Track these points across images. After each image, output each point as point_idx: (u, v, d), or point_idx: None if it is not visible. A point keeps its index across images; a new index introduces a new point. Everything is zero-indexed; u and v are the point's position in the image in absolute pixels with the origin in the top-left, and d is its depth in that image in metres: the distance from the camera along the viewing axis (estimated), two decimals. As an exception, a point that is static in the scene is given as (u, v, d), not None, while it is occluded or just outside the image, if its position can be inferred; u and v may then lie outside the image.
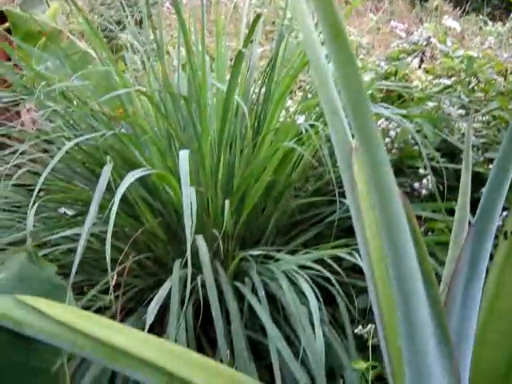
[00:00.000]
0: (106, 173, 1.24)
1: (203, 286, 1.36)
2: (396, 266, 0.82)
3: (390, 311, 0.99)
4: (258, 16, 1.49)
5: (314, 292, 1.33)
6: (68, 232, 1.44)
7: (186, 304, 1.29)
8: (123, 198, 1.64)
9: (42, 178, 1.22)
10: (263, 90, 1.75)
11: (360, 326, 1.30)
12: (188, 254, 1.13)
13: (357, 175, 1.00)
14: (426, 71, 2.13)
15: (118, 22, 4.09)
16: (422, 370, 0.89)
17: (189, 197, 1.18)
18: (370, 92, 1.91)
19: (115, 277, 1.44)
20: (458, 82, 1.88)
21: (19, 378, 0.85)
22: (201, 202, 1.61)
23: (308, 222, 1.75)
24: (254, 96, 1.83)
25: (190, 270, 1.14)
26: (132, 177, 1.21)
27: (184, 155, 1.24)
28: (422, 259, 0.81)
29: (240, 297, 1.47)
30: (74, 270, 1.11)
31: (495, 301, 1.11)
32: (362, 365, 1.25)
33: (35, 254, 0.87)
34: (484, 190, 0.86)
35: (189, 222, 1.16)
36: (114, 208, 1.13)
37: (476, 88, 1.96)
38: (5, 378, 0.85)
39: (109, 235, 1.13)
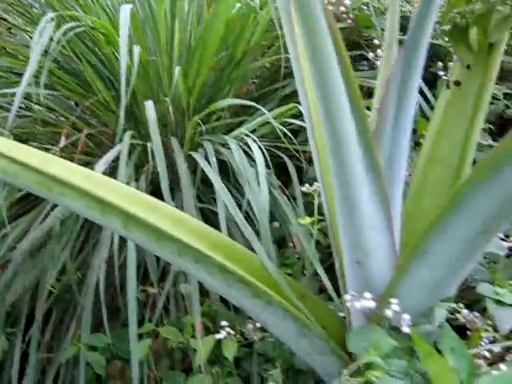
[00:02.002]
0: (47, 25, 1.20)
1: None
2: (323, 97, 0.82)
3: (323, 149, 1.00)
4: None
5: (263, 153, 1.34)
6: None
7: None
8: (76, 70, 1.63)
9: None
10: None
11: (307, 185, 1.33)
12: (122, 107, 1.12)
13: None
14: None
15: None
16: (350, 196, 0.90)
17: (127, 49, 1.15)
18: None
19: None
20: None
21: None
22: (156, 72, 1.59)
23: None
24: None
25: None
26: (70, 27, 1.17)
27: (126, 8, 1.21)
28: (352, 93, 0.81)
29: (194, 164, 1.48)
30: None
31: (435, 149, 1.13)
32: (307, 220, 1.28)
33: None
34: (412, 17, 0.86)
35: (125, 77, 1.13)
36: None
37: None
38: None
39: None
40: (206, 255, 0.96)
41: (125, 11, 1.20)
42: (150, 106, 1.40)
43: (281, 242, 1.55)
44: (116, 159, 1.38)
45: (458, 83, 1.18)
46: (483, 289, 0.99)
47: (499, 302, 0.98)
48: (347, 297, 0.91)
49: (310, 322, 1.04)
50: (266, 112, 1.35)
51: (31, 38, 1.62)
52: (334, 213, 1.00)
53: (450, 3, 1.13)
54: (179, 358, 1.45)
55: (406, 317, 0.85)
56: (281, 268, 1.34)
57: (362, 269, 0.96)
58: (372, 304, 0.86)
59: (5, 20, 1.82)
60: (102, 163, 1.32)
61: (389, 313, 0.86)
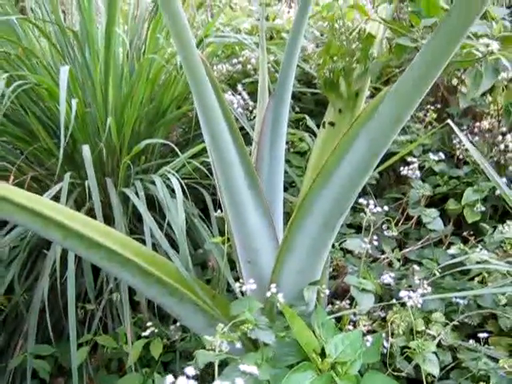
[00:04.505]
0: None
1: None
2: (214, 140, 1.10)
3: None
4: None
5: (182, 187, 1.61)
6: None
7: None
8: (22, 120, 1.88)
9: None
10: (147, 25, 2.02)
11: (219, 211, 1.60)
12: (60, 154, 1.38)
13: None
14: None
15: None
16: (239, 213, 1.18)
17: (65, 102, 1.42)
18: (246, 31, 2.21)
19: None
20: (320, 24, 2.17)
21: None
22: (92, 121, 1.86)
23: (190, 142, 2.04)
24: (143, 35, 2.09)
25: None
26: (18, 85, 1.44)
27: (65, 69, 1.48)
28: (230, 124, 1.10)
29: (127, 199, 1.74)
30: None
31: (316, 167, 1.43)
32: (218, 239, 1.55)
33: None
34: (280, 68, 1.16)
35: (62, 121, 1.39)
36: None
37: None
38: None
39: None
40: (129, 260, 1.21)
41: (64, 71, 1.47)
42: (86, 149, 1.65)
43: (203, 264, 1.82)
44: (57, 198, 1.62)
45: (332, 124, 1.49)
46: (350, 279, 1.28)
47: (363, 290, 1.26)
48: (237, 284, 1.17)
49: (217, 315, 1.30)
50: (180, 154, 1.62)
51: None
52: (231, 226, 1.28)
53: (322, 62, 1.46)
54: (115, 366, 1.68)
55: (280, 295, 1.12)
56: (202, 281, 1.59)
57: (253, 265, 1.23)
58: (254, 286, 1.13)
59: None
60: (45, 196, 1.57)
61: (268, 294, 1.13)
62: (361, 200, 1.31)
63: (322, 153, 1.44)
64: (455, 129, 1.20)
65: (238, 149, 1.11)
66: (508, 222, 1.52)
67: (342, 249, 1.57)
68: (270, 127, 1.18)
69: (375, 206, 1.31)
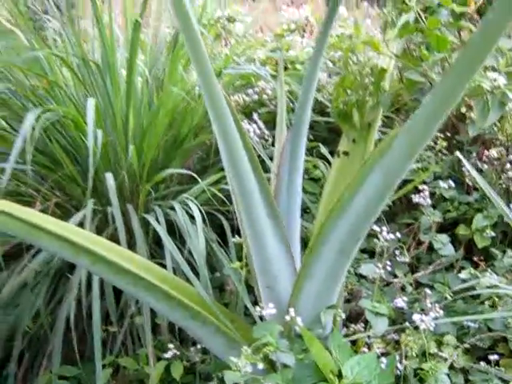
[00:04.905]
0: (30, 119, 1.55)
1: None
2: (234, 170, 1.17)
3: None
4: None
5: (201, 214, 1.68)
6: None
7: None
8: (47, 149, 1.95)
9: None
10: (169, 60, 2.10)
11: (237, 236, 1.66)
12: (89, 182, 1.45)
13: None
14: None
15: (46, 12, 4.32)
16: (258, 240, 1.24)
17: (93, 134, 1.50)
18: (260, 61, 2.30)
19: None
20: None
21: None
22: (113, 150, 1.93)
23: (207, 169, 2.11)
24: (161, 65, 2.17)
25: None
26: (46, 117, 1.51)
27: (91, 102, 1.56)
28: (249, 153, 1.17)
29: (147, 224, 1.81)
30: None
31: (332, 196, 1.49)
32: (236, 264, 1.61)
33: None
34: (298, 102, 1.23)
35: (92, 154, 1.47)
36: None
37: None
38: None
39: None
40: (153, 284, 1.28)
41: (90, 105, 1.55)
42: (109, 177, 1.72)
43: (221, 287, 1.88)
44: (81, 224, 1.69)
45: (346, 153, 1.56)
46: (364, 303, 1.33)
47: (377, 313, 1.32)
48: (257, 308, 1.23)
49: (237, 337, 1.35)
50: (200, 181, 1.69)
51: (7, 123, 1.96)
52: (250, 253, 1.34)
53: (336, 95, 1.53)
54: (137, 388, 1.74)
55: (298, 319, 1.18)
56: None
57: (272, 290, 1.29)
58: (274, 311, 1.19)
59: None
60: (71, 222, 1.64)
61: (287, 318, 1.18)
62: (374, 227, 1.36)
63: (337, 181, 1.51)
64: (463, 161, 1.26)
65: (257, 178, 1.17)
66: (517, 247, 1.57)
67: (356, 274, 1.62)
68: (288, 159, 1.25)
69: (388, 233, 1.36)
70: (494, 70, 1.43)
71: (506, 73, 1.36)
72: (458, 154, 1.31)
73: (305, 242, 1.66)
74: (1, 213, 1.19)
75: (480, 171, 1.87)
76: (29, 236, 1.20)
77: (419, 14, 1.54)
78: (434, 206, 1.82)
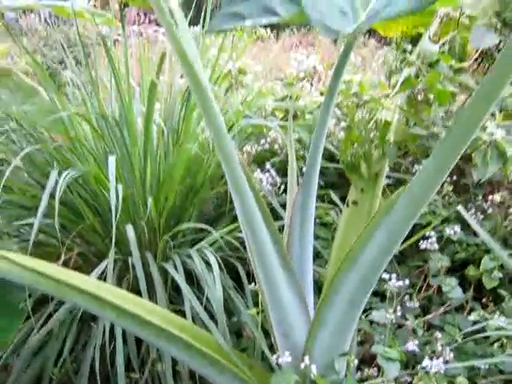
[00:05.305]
0: (54, 176, 1.64)
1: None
2: (247, 222, 1.25)
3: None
4: (163, 54, 1.93)
5: (218, 262, 1.75)
6: (24, 221, 1.82)
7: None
8: (69, 202, 2.05)
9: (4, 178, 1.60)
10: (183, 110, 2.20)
11: (253, 284, 1.73)
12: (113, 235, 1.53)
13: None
14: (321, 93, 2.61)
15: (61, 62, 4.50)
16: (273, 290, 1.31)
17: (115, 190, 1.59)
18: (271, 110, 2.39)
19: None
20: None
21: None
22: (132, 201, 2.02)
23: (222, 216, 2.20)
24: (176, 116, 2.27)
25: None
26: (69, 174, 1.61)
27: (112, 159, 1.66)
28: (261, 207, 1.24)
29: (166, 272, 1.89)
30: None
31: (342, 245, 1.56)
32: (253, 311, 1.67)
33: None
34: (307, 155, 1.31)
35: (114, 210, 1.56)
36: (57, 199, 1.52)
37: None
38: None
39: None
40: (174, 335, 1.34)
41: (112, 162, 1.64)
42: (129, 229, 1.81)
43: (238, 332, 1.94)
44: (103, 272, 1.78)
45: (354, 202, 1.63)
46: (377, 349, 1.39)
47: (389, 359, 1.37)
48: (274, 356, 1.29)
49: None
50: (214, 232, 1.77)
51: (33, 178, 2.06)
52: (265, 301, 1.40)
53: (343, 148, 1.61)
54: None
55: (313, 367, 1.24)
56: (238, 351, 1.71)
57: (287, 338, 1.35)
58: (289, 359, 1.25)
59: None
60: (94, 273, 1.72)
61: (302, 365, 1.24)
62: (384, 275, 1.43)
63: (347, 229, 1.58)
64: (463, 213, 1.33)
65: (269, 229, 1.25)
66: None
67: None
68: (299, 210, 1.32)
69: (397, 280, 1.43)
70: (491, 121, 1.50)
71: (503, 126, 1.43)
72: (460, 208, 1.38)
73: (318, 286, 1.72)
74: (31, 270, 1.28)
75: (485, 213, 1.93)
76: (56, 292, 1.28)
77: (420, 69, 1.62)
78: (442, 249, 1.88)
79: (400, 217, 1.02)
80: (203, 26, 2.32)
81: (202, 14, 2.33)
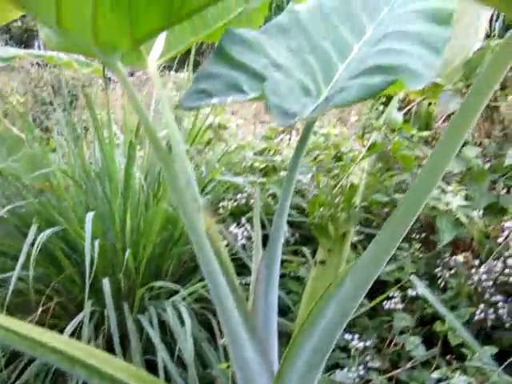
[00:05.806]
0: (33, 232, 1.71)
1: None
2: (210, 282, 1.30)
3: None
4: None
5: (191, 315, 1.81)
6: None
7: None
8: (50, 253, 2.11)
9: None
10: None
11: (224, 338, 1.79)
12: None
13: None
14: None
15: (51, 103, 4.60)
16: (236, 348, 1.36)
17: (89, 247, 1.65)
18: (250, 164, 2.48)
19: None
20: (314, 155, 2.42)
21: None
22: (113, 252, 2.08)
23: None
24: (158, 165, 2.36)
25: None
26: (51, 231, 1.67)
27: (90, 216, 1.72)
28: (229, 278, 1.31)
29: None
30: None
31: (309, 303, 1.62)
32: (224, 365, 1.72)
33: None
34: (271, 228, 1.38)
35: (88, 266, 1.62)
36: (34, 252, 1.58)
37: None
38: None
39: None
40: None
41: (89, 220, 1.71)
42: (105, 283, 1.87)
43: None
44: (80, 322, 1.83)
45: (322, 262, 1.70)
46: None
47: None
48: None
49: None
50: (182, 291, 1.83)
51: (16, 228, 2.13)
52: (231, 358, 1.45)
53: (311, 211, 1.68)
54: None
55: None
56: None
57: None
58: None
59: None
60: (71, 325, 1.77)
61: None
62: (347, 336, 1.49)
63: (315, 288, 1.64)
64: (420, 288, 1.40)
65: (235, 296, 1.30)
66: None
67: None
68: (264, 275, 1.37)
69: (359, 341, 1.49)
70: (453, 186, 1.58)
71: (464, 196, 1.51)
72: (413, 278, 1.44)
73: (286, 338, 1.78)
74: (4, 329, 1.33)
75: (452, 271, 2.00)
76: (29, 350, 1.32)
77: (386, 134, 1.71)
78: (412, 303, 1.94)
79: (349, 292, 1.08)
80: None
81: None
